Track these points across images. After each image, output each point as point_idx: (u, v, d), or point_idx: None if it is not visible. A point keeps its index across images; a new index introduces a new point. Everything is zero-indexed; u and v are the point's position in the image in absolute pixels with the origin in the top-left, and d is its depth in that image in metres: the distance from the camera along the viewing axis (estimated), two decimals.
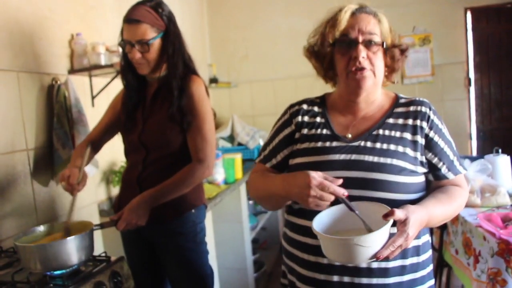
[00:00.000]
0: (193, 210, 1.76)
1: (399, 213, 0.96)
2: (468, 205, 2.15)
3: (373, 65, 1.15)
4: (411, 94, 3.89)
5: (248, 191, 1.35)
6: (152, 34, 1.63)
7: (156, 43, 1.66)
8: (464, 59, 3.86)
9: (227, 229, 3.06)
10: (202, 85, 1.74)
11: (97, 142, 1.86)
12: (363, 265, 1.07)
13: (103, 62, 2.19)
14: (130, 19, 1.62)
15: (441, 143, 1.18)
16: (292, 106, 1.32)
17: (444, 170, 1.18)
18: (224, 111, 4.29)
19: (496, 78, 3.87)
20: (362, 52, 1.14)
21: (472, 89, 3.89)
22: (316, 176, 1.00)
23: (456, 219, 2.13)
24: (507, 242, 1.64)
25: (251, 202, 3.50)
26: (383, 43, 1.17)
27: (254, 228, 3.42)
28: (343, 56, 1.17)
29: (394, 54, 1.21)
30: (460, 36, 3.85)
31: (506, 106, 3.88)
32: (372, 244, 0.93)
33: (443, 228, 2.32)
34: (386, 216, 0.96)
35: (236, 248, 3.08)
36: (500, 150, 2.44)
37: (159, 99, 1.73)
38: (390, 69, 1.24)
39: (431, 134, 1.18)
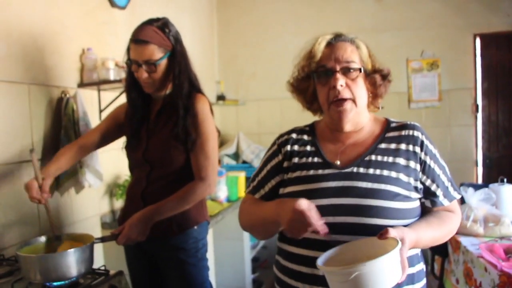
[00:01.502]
0: (195, 227, 1.76)
1: (393, 232, 0.97)
2: (470, 234, 2.13)
3: (353, 93, 1.16)
4: (418, 118, 3.90)
5: (239, 220, 1.33)
6: (159, 55, 1.65)
7: (163, 63, 1.68)
8: (472, 85, 3.85)
9: (228, 247, 3.05)
10: (207, 104, 1.75)
11: (88, 147, 1.85)
12: None
13: (112, 77, 2.23)
14: (138, 40, 1.63)
15: (437, 169, 1.18)
16: (281, 136, 1.32)
17: (441, 197, 1.18)
18: (231, 128, 4.31)
19: (505, 105, 3.86)
20: (340, 80, 1.14)
21: (480, 115, 3.88)
22: (302, 204, 0.98)
23: (458, 247, 2.11)
24: (508, 275, 1.62)
25: None
26: (360, 69, 1.16)
27: (255, 246, 3.41)
28: (323, 86, 1.18)
29: (375, 80, 1.20)
30: (469, 62, 3.86)
31: None
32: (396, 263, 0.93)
33: (445, 255, 2.30)
34: (381, 235, 0.96)
35: (236, 266, 3.07)
36: (505, 180, 2.42)
37: (163, 117, 1.75)
38: (373, 95, 1.23)
39: (427, 159, 1.17)
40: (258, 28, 4.26)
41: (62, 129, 2.03)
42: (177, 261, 1.74)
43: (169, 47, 1.68)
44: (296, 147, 1.26)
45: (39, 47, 1.98)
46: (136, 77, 1.71)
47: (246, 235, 3.10)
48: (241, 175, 3.15)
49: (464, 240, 2.07)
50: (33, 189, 1.57)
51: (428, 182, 1.17)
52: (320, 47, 1.17)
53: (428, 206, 1.20)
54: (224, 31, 4.36)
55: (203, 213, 1.83)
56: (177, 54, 1.70)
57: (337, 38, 1.19)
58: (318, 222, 0.98)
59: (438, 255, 2.43)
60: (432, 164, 1.18)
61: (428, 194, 1.18)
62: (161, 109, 1.77)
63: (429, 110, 3.91)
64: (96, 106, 2.38)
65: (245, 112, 4.33)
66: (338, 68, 1.15)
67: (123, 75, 2.27)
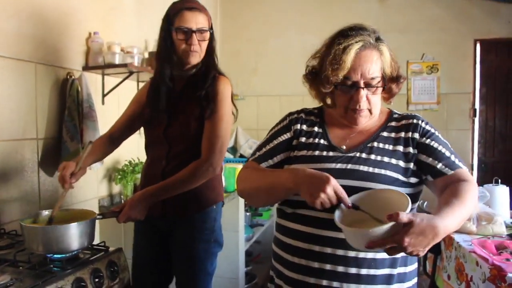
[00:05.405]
0: (214, 206, 1.77)
1: (403, 216, 0.94)
2: (463, 232, 2.16)
3: (370, 104, 1.20)
4: None
5: (237, 185, 1.32)
6: (208, 25, 1.72)
7: (208, 36, 1.72)
8: (470, 90, 3.91)
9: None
10: (229, 86, 1.76)
11: (117, 136, 1.86)
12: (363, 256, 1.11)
13: (117, 61, 2.25)
14: (193, 7, 1.68)
15: (435, 144, 1.19)
16: (291, 114, 1.36)
17: (440, 166, 1.16)
18: None
19: (502, 111, 3.92)
20: (364, 97, 1.18)
21: (477, 120, 3.92)
22: (334, 180, 1.04)
23: (451, 244, 2.14)
24: (499, 268, 1.65)
25: (248, 213, 3.53)
26: (383, 85, 1.20)
27: (249, 239, 3.43)
28: (345, 94, 1.20)
29: (391, 89, 1.25)
30: (468, 66, 3.91)
31: (510, 139, 3.90)
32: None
33: (437, 253, 2.33)
34: (390, 217, 0.96)
35: (230, 257, 3.07)
36: (499, 181, 2.46)
37: (186, 94, 1.74)
38: (387, 97, 1.28)
39: (423, 140, 1.20)
40: (261, 24, 4.30)
41: (66, 109, 2.05)
42: (192, 239, 1.73)
43: (210, 23, 1.74)
44: (304, 127, 1.30)
45: (48, 27, 2.01)
46: (188, 44, 1.68)
47: (242, 227, 3.12)
48: (239, 167, 3.17)
49: (457, 237, 2.11)
50: (68, 169, 1.58)
51: (423, 157, 1.18)
52: (350, 58, 1.15)
53: (432, 181, 1.18)
54: (227, 26, 4.39)
55: (221, 192, 1.83)
56: (213, 33, 1.76)
57: (365, 45, 1.16)
58: (346, 197, 1.05)
59: (430, 252, 2.45)
60: (429, 141, 1.19)
61: (426, 169, 1.18)
62: (184, 87, 1.76)
63: (427, 112, 3.96)
64: (100, 90, 2.40)
65: (245, 107, 4.33)
66: (362, 83, 1.17)
67: (128, 60, 2.30)
